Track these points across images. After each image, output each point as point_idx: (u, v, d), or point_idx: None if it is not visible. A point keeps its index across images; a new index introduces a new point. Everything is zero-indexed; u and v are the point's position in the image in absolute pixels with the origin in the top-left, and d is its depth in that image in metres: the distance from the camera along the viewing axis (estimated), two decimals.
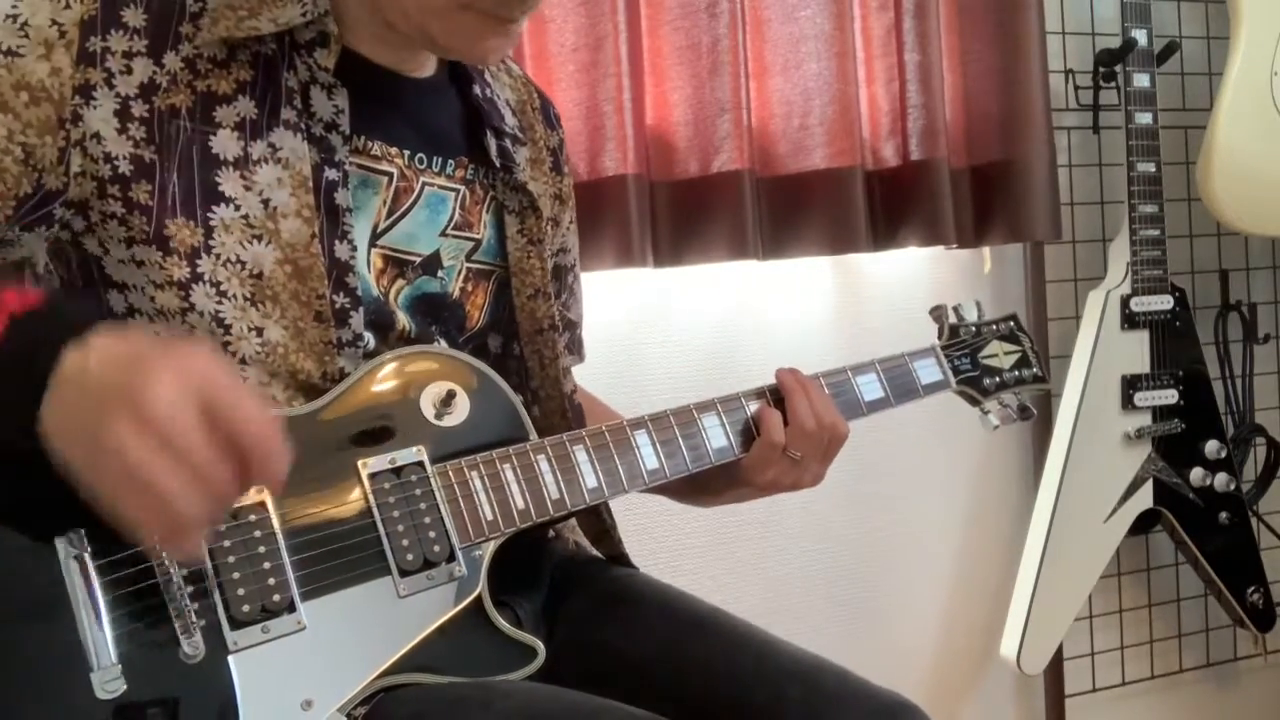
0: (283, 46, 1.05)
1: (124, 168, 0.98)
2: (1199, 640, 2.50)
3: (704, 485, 1.27)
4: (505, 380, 1.13)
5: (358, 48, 1.09)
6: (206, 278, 1.00)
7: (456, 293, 1.18)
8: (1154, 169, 2.15)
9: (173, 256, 0.99)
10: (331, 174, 1.05)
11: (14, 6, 0.97)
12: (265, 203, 1.02)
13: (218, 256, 1.00)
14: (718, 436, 1.22)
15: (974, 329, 1.41)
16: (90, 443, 0.78)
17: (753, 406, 1.24)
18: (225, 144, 1.02)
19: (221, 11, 1.03)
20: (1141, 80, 2.16)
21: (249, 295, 1.01)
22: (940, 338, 1.40)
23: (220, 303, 1.00)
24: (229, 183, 1.01)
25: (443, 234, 1.15)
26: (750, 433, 1.23)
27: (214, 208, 1.01)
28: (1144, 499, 2.20)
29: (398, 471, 1.02)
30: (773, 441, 1.22)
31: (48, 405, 0.81)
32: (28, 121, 0.96)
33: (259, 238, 1.02)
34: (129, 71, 0.99)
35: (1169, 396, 2.19)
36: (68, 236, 1.01)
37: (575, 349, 1.41)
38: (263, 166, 1.03)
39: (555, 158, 1.31)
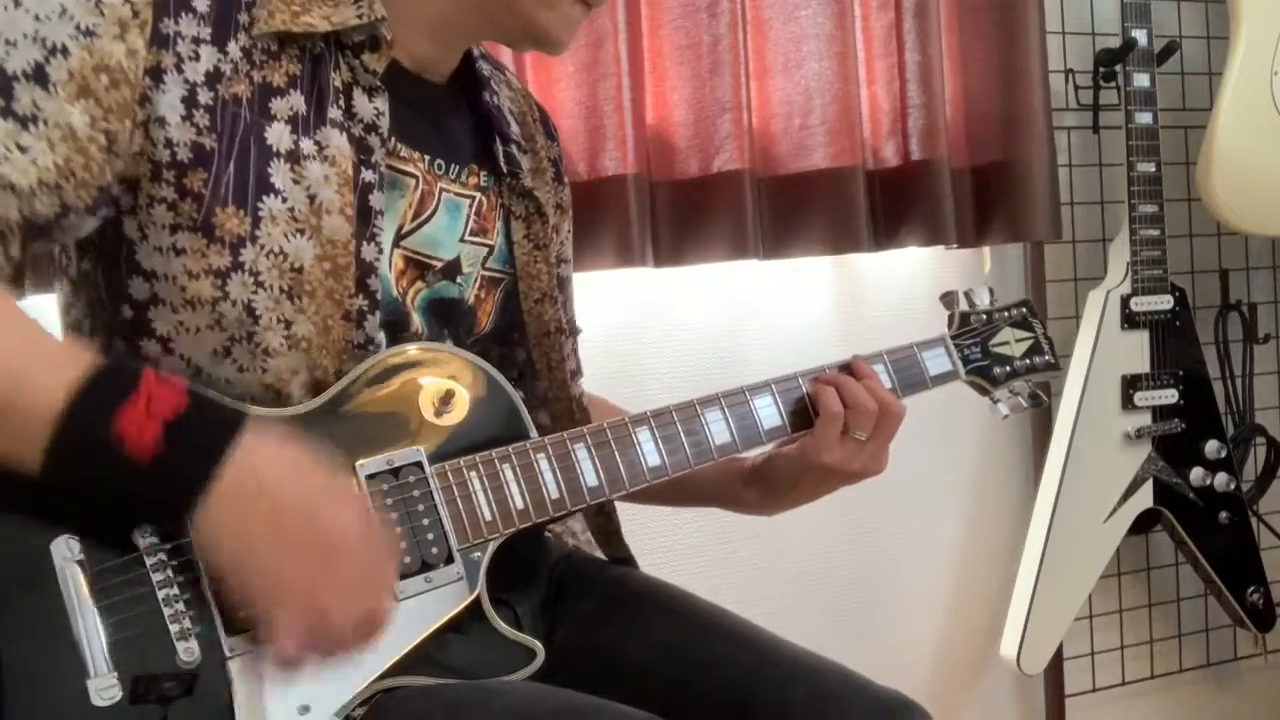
0: (330, 45, 1.05)
1: (183, 154, 0.97)
2: (1199, 640, 2.50)
3: (772, 484, 1.27)
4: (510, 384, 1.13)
5: (392, 51, 1.09)
6: (247, 267, 0.99)
7: (472, 299, 1.18)
8: (1154, 169, 2.15)
9: (216, 245, 0.98)
10: (368, 175, 1.05)
11: None
12: (311, 198, 1.02)
13: (261, 247, 1.00)
14: (770, 416, 1.21)
15: (985, 316, 1.38)
16: (275, 581, 0.90)
17: (806, 387, 1.24)
18: (279, 136, 1.01)
19: (276, 4, 1.02)
20: (1141, 80, 2.15)
21: (286, 288, 1.01)
22: (950, 325, 1.37)
23: (255, 293, 1.00)
24: (279, 175, 1.01)
25: (462, 240, 1.16)
26: (805, 413, 1.23)
27: (264, 198, 1.00)
28: (1144, 499, 2.20)
29: (395, 472, 1.02)
30: (834, 413, 1.21)
31: (206, 514, 0.88)
32: (109, 106, 0.94)
33: (302, 232, 1.01)
34: (196, 58, 0.98)
35: (1169, 396, 2.19)
36: (112, 214, 0.99)
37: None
38: (311, 162, 1.02)
39: (556, 168, 1.32)
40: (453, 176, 1.15)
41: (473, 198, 1.17)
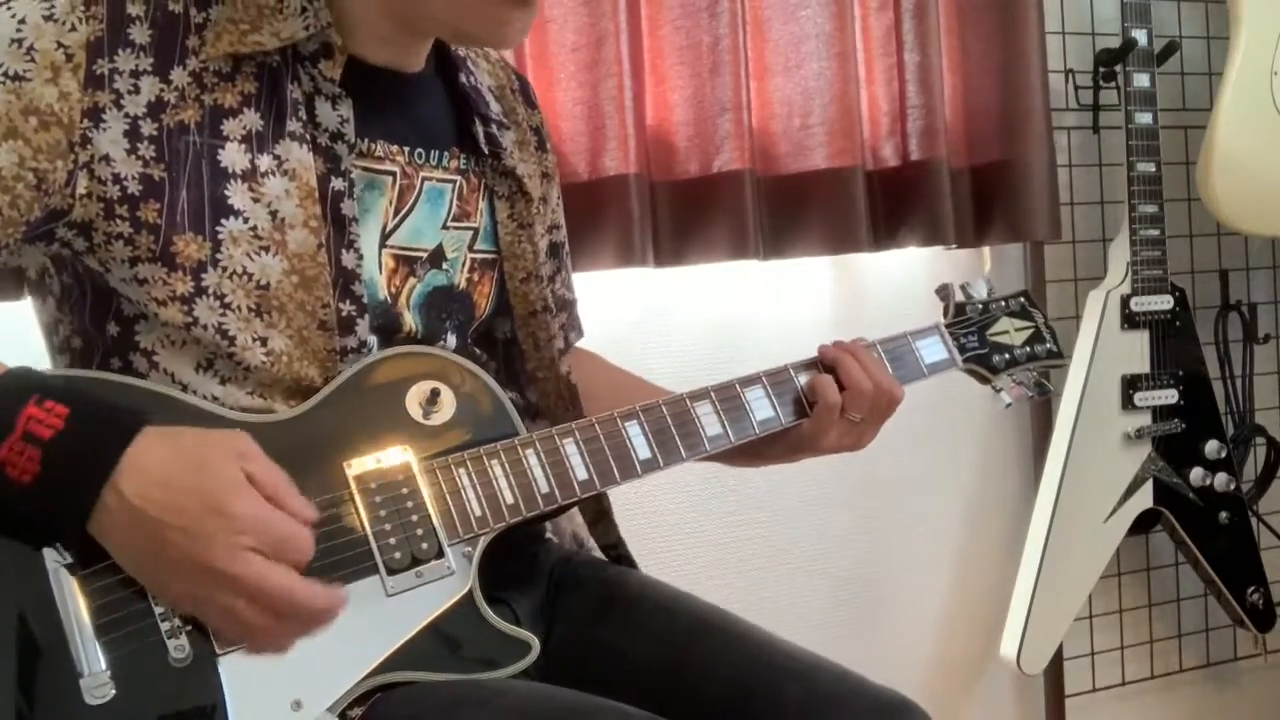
0: (286, 58, 1.05)
1: (133, 188, 0.98)
2: (1199, 640, 2.50)
3: (760, 454, 1.28)
4: (510, 363, 1.13)
5: (356, 51, 1.09)
6: (211, 291, 1.00)
7: (463, 284, 1.18)
8: (1154, 169, 2.15)
9: (177, 272, 0.99)
10: (338, 184, 1.05)
11: (18, 30, 0.95)
12: (273, 214, 1.02)
13: (224, 269, 1.00)
14: (763, 408, 1.22)
15: (981, 306, 1.38)
16: (175, 590, 0.89)
17: (802, 378, 1.25)
18: (233, 157, 1.02)
19: (224, 25, 1.02)
20: (1141, 80, 2.15)
21: (254, 306, 1.01)
22: (946, 316, 1.37)
23: (224, 315, 1.00)
24: (237, 195, 1.01)
25: (444, 227, 1.16)
26: (800, 403, 1.24)
27: (222, 221, 1.00)
28: (1144, 499, 2.20)
29: (383, 473, 1.02)
30: (830, 403, 1.22)
31: (99, 533, 0.89)
32: (38, 147, 0.95)
33: (266, 249, 1.02)
34: (136, 91, 0.98)
35: (1169, 396, 2.19)
36: (68, 254, 1.01)
37: (574, 325, 1.41)
38: (270, 178, 1.02)
39: (539, 136, 1.32)
40: (434, 164, 1.15)
41: (454, 182, 1.17)
